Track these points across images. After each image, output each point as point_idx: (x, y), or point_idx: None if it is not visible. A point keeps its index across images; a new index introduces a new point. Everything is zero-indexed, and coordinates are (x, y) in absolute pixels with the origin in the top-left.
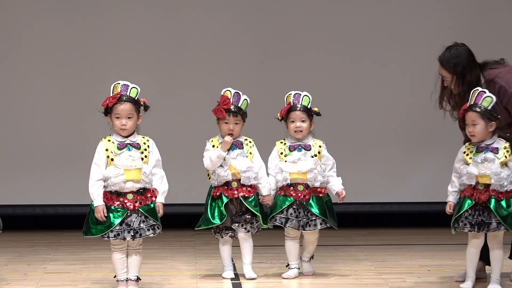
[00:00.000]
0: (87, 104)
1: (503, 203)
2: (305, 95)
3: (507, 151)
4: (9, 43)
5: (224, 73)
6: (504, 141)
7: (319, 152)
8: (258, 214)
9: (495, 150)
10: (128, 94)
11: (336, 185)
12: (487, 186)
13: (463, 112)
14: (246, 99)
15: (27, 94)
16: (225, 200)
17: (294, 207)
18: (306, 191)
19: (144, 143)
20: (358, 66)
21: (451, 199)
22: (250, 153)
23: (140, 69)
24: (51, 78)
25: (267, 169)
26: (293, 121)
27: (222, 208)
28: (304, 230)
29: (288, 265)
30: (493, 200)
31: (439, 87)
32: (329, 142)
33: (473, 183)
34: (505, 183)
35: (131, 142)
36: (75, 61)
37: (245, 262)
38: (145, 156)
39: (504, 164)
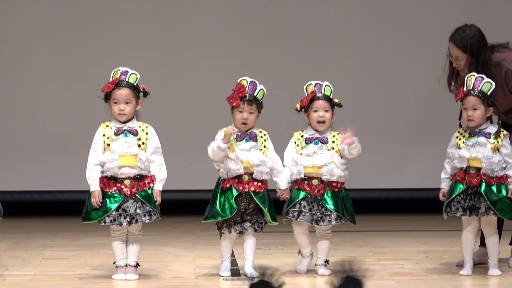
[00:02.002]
0: (86, 90)
1: (494, 188)
2: (326, 85)
3: (499, 137)
4: (5, 29)
5: (228, 58)
6: (497, 126)
7: (337, 145)
8: (265, 211)
9: (488, 135)
10: (127, 79)
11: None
12: (479, 170)
13: (461, 95)
14: (262, 89)
15: (25, 80)
16: (235, 193)
17: (307, 200)
18: (321, 185)
19: (143, 130)
20: (359, 54)
21: (444, 186)
22: (264, 146)
23: (141, 55)
24: (49, 64)
25: (283, 160)
26: (316, 111)
27: (232, 201)
28: (317, 225)
29: (299, 252)
30: (484, 185)
31: (447, 70)
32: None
33: (464, 166)
34: (496, 168)
35: (128, 128)
36: (74, 47)
37: (247, 259)
38: (142, 143)
39: (496, 150)
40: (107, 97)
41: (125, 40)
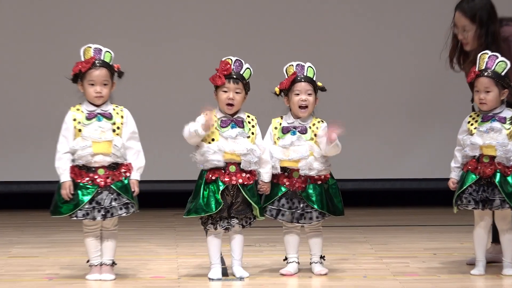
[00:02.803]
0: (53, 72)
1: (509, 179)
2: (309, 66)
3: None
4: None
5: (211, 39)
6: None
7: (315, 135)
8: (256, 206)
9: (503, 120)
10: (102, 58)
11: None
12: (492, 159)
13: (473, 76)
14: (249, 68)
15: None
16: (221, 186)
17: (287, 197)
18: (302, 178)
19: (117, 113)
20: (356, 32)
21: (454, 175)
22: (253, 133)
23: (114, 32)
24: (13, 43)
25: None
26: (297, 94)
27: (218, 195)
28: (298, 223)
29: (286, 259)
30: (498, 175)
31: (450, 44)
32: (324, 113)
33: (477, 154)
34: None
35: (102, 111)
36: (40, 24)
37: (235, 257)
38: (117, 128)
39: (511, 136)
40: (79, 77)
41: (99, 21)
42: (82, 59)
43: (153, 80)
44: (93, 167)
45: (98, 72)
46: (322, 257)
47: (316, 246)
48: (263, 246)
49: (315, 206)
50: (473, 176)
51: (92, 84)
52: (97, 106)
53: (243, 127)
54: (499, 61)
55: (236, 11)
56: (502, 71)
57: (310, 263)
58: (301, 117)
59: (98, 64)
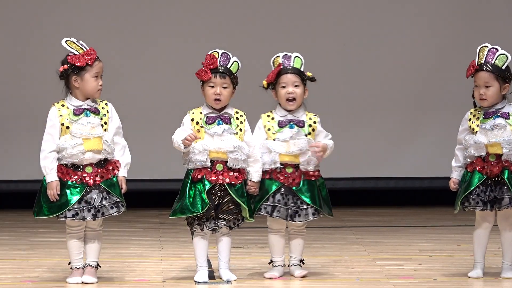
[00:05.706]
0: (34, 65)
1: None
2: (296, 57)
3: None
4: None
5: (199, 31)
6: None
7: (313, 130)
8: (245, 206)
9: (506, 116)
10: None
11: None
12: (499, 157)
13: (472, 70)
14: (236, 61)
15: None
16: (207, 185)
17: (282, 192)
18: (296, 173)
19: (103, 108)
20: (348, 21)
21: (455, 175)
22: (241, 129)
23: (100, 29)
24: None
25: None
26: (284, 86)
27: (204, 195)
28: (293, 220)
29: (271, 262)
30: (506, 172)
31: None
32: (314, 107)
33: (483, 154)
34: None
35: (88, 106)
36: (21, 16)
37: (222, 260)
38: (105, 123)
39: None
40: (80, 69)
41: (84, 17)
42: (76, 53)
43: (138, 77)
44: (81, 165)
45: (101, 64)
46: (301, 261)
47: (298, 249)
48: (251, 248)
49: (311, 203)
50: (480, 175)
51: (97, 77)
52: (83, 101)
53: (230, 123)
54: (500, 54)
55: (225, 3)
56: (503, 65)
57: (289, 265)
58: (290, 111)
59: (98, 57)
